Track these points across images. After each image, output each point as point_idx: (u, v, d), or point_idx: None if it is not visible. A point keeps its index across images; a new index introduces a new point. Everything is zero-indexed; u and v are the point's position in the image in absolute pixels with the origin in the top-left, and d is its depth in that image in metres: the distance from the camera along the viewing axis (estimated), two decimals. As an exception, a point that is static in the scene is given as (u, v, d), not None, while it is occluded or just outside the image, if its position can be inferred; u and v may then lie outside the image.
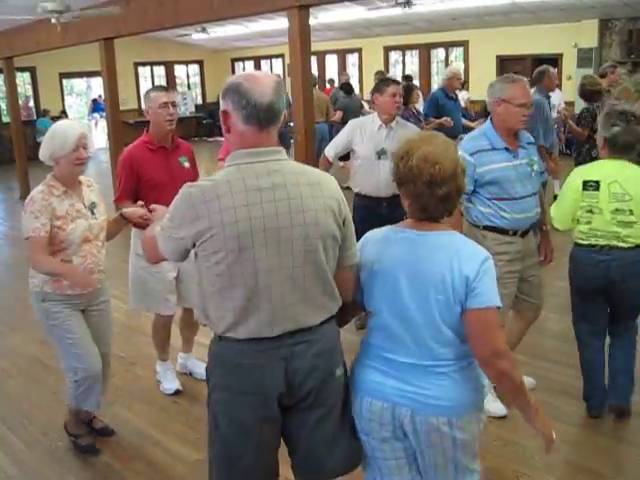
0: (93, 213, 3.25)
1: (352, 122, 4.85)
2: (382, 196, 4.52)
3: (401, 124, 4.67)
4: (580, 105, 6.96)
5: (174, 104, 3.80)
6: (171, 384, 4.05)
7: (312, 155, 6.29)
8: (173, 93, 3.89)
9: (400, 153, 2.01)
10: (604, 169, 3.38)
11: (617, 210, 3.28)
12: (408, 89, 7.23)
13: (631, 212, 3.26)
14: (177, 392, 4.02)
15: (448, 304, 1.94)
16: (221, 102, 1.97)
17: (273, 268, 1.91)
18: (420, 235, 2.02)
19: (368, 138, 4.58)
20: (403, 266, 2.00)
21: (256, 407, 1.98)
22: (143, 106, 3.95)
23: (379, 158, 4.50)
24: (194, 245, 1.92)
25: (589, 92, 6.59)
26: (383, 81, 4.81)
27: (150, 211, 2.72)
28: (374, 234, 2.16)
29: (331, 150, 4.80)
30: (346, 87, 10.82)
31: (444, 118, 7.19)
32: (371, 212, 4.41)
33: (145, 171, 3.76)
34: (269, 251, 1.90)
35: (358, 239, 2.18)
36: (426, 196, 1.96)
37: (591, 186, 3.33)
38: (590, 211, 3.34)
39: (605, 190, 3.29)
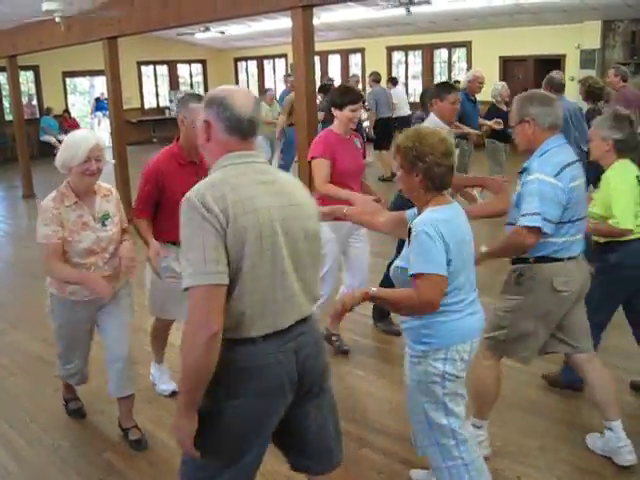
0: (104, 225, 3.23)
1: (431, 121, 4.51)
2: None
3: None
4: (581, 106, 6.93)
5: None
6: (167, 385, 4.05)
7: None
8: None
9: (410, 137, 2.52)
10: (632, 166, 3.55)
11: None
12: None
13: None
14: (174, 393, 3.95)
15: None
16: (203, 112, 2.05)
17: (284, 258, 1.96)
18: (455, 205, 2.57)
19: None
20: (465, 232, 2.55)
21: (278, 405, 2.01)
22: (176, 112, 3.64)
23: None
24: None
25: (594, 92, 6.54)
26: (444, 87, 4.62)
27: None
28: (437, 219, 2.46)
29: None
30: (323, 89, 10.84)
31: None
32: None
33: (170, 186, 3.50)
34: (279, 241, 1.95)
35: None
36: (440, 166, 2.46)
37: None
38: None
39: None
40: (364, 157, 4.51)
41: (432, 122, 4.48)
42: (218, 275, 1.84)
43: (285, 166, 10.41)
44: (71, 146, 3.12)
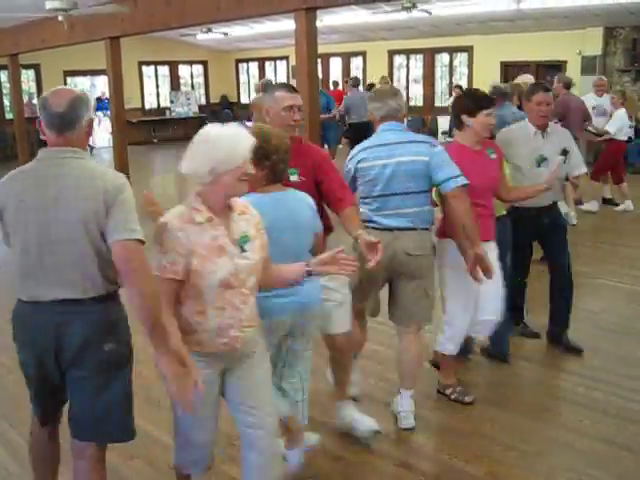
0: (244, 250, 2.43)
1: (499, 136, 4.35)
2: (543, 205, 4.32)
3: (554, 129, 4.43)
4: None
5: (300, 108, 3.29)
6: (368, 425, 3.47)
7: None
8: (299, 95, 3.35)
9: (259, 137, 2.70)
10: None
11: None
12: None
13: None
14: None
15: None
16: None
17: (45, 243, 2.35)
18: (279, 194, 2.84)
19: (523, 146, 4.26)
20: (283, 220, 2.77)
21: (33, 360, 2.49)
22: (264, 106, 3.35)
23: (539, 166, 4.20)
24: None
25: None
26: (531, 87, 4.44)
27: None
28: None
29: None
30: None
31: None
32: (532, 223, 4.31)
33: None
34: (43, 229, 2.34)
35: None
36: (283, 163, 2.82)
37: None
38: None
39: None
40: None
41: (512, 129, 4.48)
42: None
43: None
44: (227, 145, 2.33)
